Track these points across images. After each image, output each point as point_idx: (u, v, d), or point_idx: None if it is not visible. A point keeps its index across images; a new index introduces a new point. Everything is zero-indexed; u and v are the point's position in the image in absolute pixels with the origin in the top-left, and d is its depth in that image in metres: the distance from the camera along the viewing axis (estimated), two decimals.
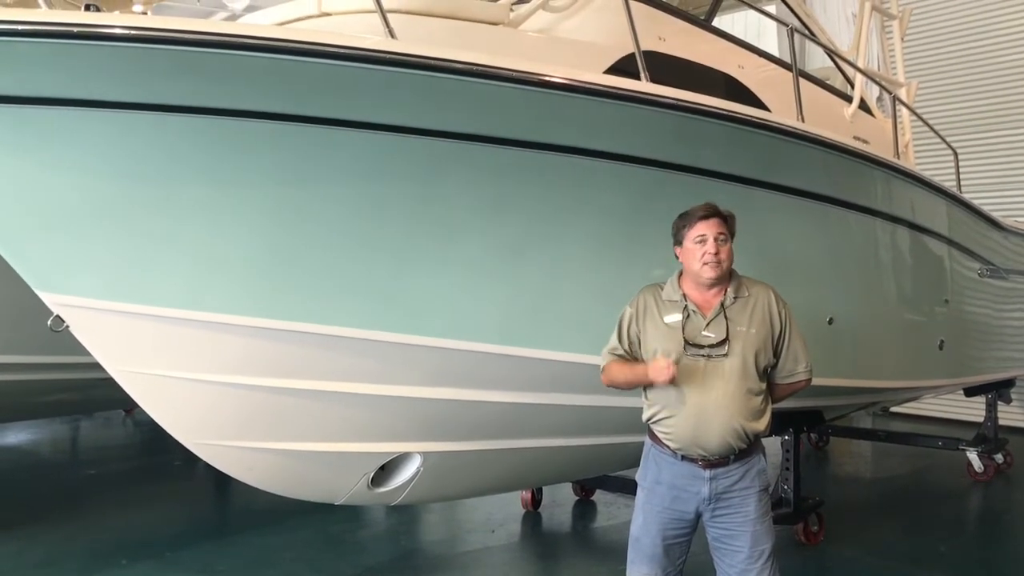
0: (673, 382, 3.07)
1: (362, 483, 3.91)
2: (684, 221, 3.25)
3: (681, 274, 3.29)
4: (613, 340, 3.33)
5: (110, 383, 3.50)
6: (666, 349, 3.15)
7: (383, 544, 5.58)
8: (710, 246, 3.15)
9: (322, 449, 3.75)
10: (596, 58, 3.97)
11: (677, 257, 3.29)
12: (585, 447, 4.53)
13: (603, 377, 3.34)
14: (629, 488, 3.60)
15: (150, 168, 3.12)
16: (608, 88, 3.54)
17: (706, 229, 3.18)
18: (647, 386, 3.24)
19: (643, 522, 3.28)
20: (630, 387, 3.29)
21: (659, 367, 3.07)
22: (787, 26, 4.77)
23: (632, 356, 3.28)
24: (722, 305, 3.19)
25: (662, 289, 3.30)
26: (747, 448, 3.18)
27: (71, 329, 3.31)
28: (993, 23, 9.70)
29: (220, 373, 3.46)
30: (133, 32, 2.76)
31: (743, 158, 4.13)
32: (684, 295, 3.23)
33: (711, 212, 3.21)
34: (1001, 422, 7.86)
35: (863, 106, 6.13)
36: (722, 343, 3.13)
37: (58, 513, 6.07)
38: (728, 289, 3.22)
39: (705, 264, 3.15)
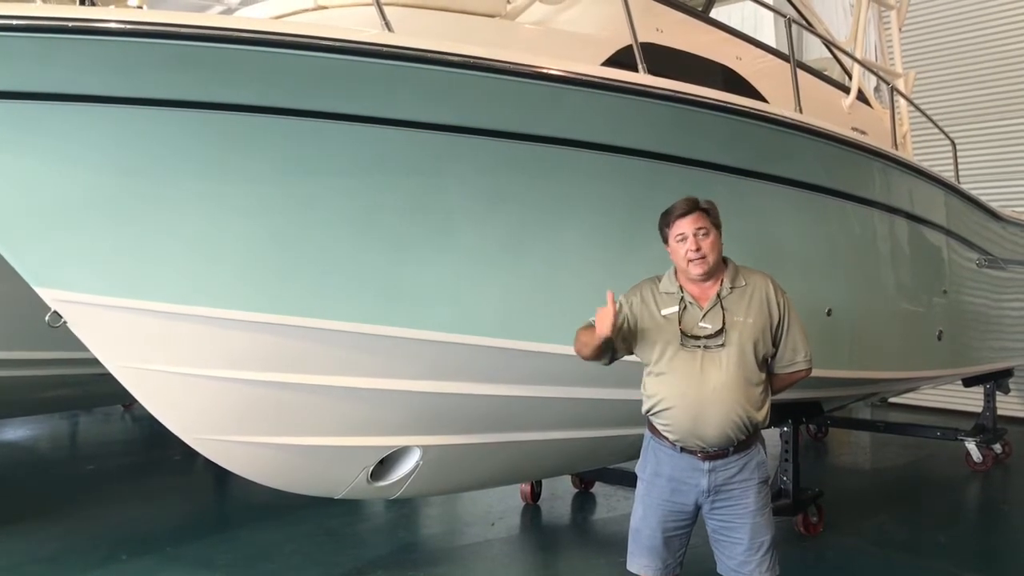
0: (611, 323, 3.03)
1: (361, 477, 3.91)
2: (665, 220, 3.25)
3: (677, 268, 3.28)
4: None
5: (108, 378, 3.49)
6: (664, 341, 3.15)
7: (382, 538, 5.59)
8: (691, 243, 3.15)
9: (321, 443, 3.75)
10: (593, 50, 3.96)
11: (670, 256, 3.29)
12: (584, 439, 4.54)
13: (574, 345, 3.31)
14: (628, 480, 3.60)
15: (147, 162, 3.11)
16: (606, 80, 3.53)
17: (685, 226, 3.17)
18: (645, 378, 3.25)
19: (643, 514, 3.28)
20: (589, 351, 3.21)
21: (600, 314, 3.04)
22: (785, 17, 4.76)
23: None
24: (718, 296, 3.18)
25: (659, 282, 3.30)
26: (746, 440, 3.18)
27: (68, 325, 3.30)
28: (991, 12, 9.70)
29: (218, 368, 3.46)
30: (129, 27, 2.75)
31: (741, 149, 4.13)
32: (681, 287, 3.23)
33: (689, 208, 3.19)
34: (999, 412, 7.89)
35: (861, 97, 6.13)
36: (718, 333, 3.13)
37: (58, 509, 6.07)
38: (724, 279, 3.22)
39: (690, 261, 3.16)
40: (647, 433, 3.32)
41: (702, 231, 3.17)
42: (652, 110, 3.70)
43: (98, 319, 3.31)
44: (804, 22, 5.94)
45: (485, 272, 3.70)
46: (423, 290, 3.59)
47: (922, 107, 7.16)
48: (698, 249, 3.15)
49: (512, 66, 3.27)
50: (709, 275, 3.20)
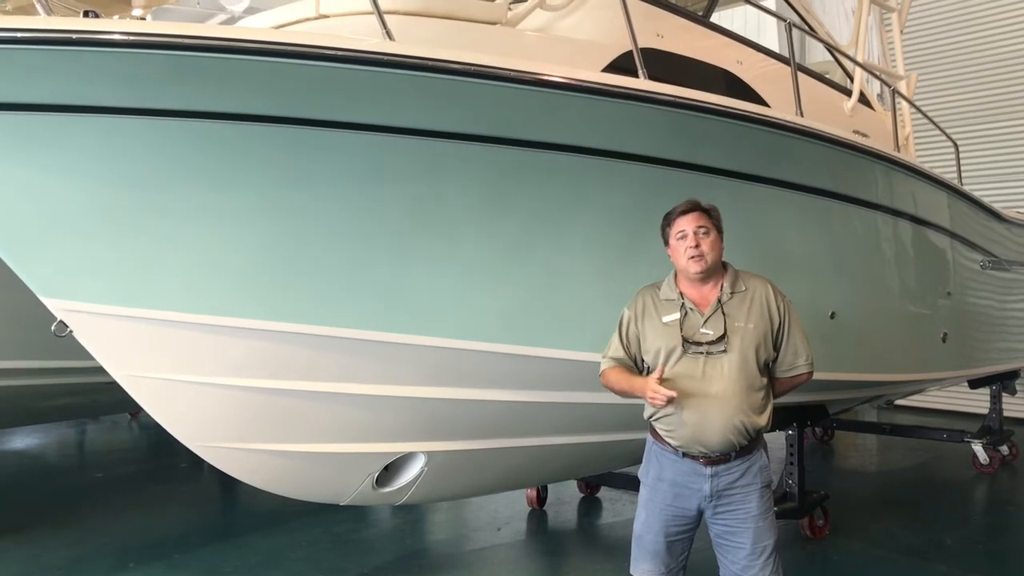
0: (671, 403, 3.06)
1: (367, 483, 3.92)
2: (666, 220, 3.29)
3: (677, 272, 3.29)
4: (613, 344, 3.33)
5: (115, 387, 3.51)
6: (667, 348, 3.16)
7: (388, 543, 5.60)
8: (690, 240, 3.17)
9: (326, 450, 3.76)
10: (594, 56, 3.97)
11: (671, 257, 3.30)
12: (589, 444, 4.54)
13: (601, 380, 3.36)
14: (634, 484, 3.60)
15: (151, 172, 3.13)
16: (606, 86, 3.54)
17: (686, 224, 3.19)
18: None
19: (646, 519, 3.29)
20: (625, 396, 3.29)
21: (657, 395, 3.04)
22: (785, 21, 4.77)
23: (632, 359, 3.30)
24: (719, 301, 3.19)
25: (659, 289, 3.30)
26: (748, 445, 3.18)
27: (75, 334, 3.32)
28: (992, 14, 9.70)
29: (224, 376, 3.47)
30: (132, 38, 2.77)
31: (743, 154, 4.13)
32: (681, 293, 3.23)
33: (690, 207, 3.23)
34: (1006, 413, 7.88)
35: (863, 100, 6.13)
36: (720, 339, 3.13)
37: (65, 517, 6.09)
38: (724, 284, 3.23)
39: (689, 259, 3.17)
40: (649, 438, 3.33)
41: (702, 229, 3.18)
42: (653, 115, 3.71)
43: (104, 328, 3.32)
44: (805, 26, 5.95)
45: (488, 278, 3.71)
46: (426, 296, 3.60)
47: (924, 109, 7.17)
48: (697, 246, 3.16)
49: (513, 73, 3.28)
50: (707, 276, 3.20)
